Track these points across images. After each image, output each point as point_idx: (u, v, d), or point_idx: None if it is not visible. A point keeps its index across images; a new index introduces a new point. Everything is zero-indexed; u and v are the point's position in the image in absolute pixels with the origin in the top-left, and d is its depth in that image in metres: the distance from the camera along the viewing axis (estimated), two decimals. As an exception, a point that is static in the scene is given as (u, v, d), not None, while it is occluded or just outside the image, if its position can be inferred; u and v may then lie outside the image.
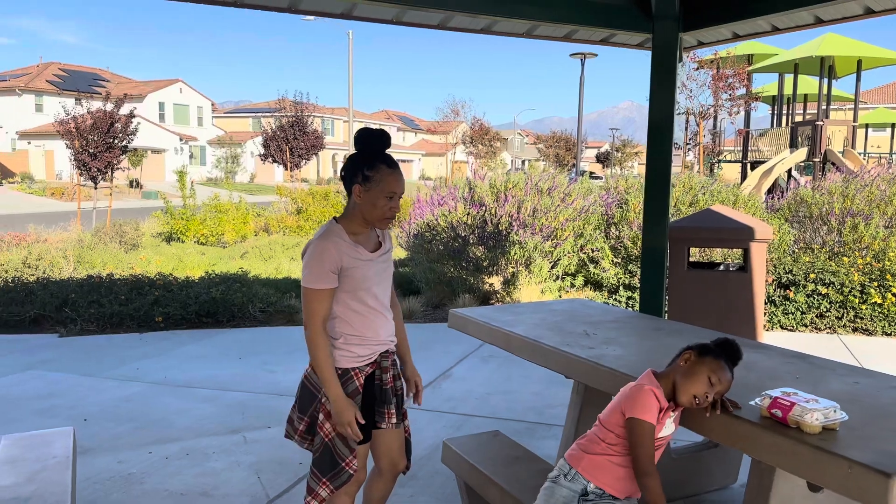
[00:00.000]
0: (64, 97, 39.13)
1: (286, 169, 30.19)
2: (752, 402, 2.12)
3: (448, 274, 8.20)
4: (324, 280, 2.29)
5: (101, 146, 14.77)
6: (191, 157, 51.13)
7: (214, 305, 7.18)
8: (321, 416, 2.38)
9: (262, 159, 32.54)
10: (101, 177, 15.08)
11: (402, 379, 2.62)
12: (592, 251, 8.57)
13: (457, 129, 42.40)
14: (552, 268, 8.30)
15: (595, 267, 8.42)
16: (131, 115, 15.59)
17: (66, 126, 14.98)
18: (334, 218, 2.43)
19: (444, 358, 5.96)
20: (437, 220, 8.51)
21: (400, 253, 10.56)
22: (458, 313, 3.66)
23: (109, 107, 15.24)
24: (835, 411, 1.97)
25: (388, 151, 2.44)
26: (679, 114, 21.33)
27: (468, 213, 8.31)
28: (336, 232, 2.36)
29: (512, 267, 8.14)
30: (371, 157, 2.36)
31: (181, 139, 49.26)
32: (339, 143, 57.26)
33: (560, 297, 8.07)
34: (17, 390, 4.99)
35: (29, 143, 43.71)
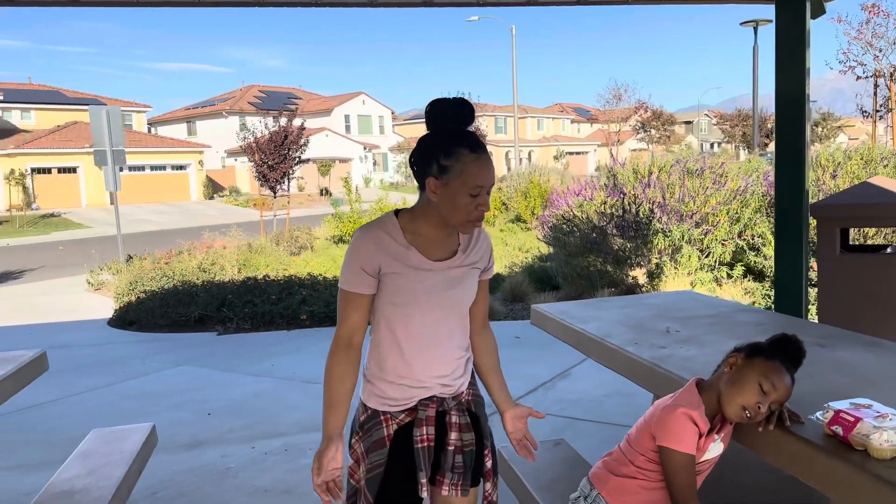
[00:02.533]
0: (262, 116, 43.11)
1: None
2: (812, 417, 1.71)
3: (587, 267, 7.82)
4: (355, 281, 1.76)
5: (277, 158, 16.01)
6: (374, 164, 53.95)
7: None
8: (350, 460, 1.89)
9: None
10: (279, 186, 16.36)
11: (477, 432, 1.90)
12: (753, 237, 7.74)
13: (631, 116, 40.69)
14: (703, 257, 7.61)
15: (756, 255, 7.59)
16: (302, 128, 16.73)
17: (248, 142, 16.43)
18: (395, 210, 1.85)
19: (568, 356, 5.65)
20: (572, 210, 8.14)
21: (542, 248, 10.27)
22: (538, 309, 3.42)
23: (283, 122, 16.47)
24: None
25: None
26: (867, 77, 18.75)
27: (605, 202, 7.86)
28: (385, 224, 1.79)
29: (656, 258, 7.57)
30: (448, 139, 1.73)
31: (365, 148, 52.13)
32: (509, 141, 57.35)
33: (713, 289, 7.37)
34: (163, 385, 5.46)
35: (235, 160, 48.56)
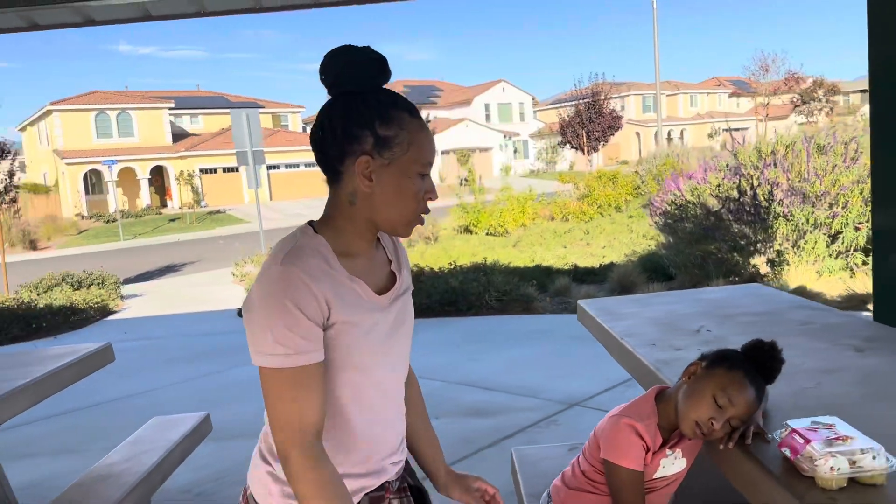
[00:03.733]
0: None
1: (583, 153, 30.03)
2: (771, 435, 1.52)
3: (701, 256, 7.35)
4: (303, 345, 1.14)
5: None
6: (515, 151, 53.86)
7: (454, 294, 7.47)
8: None
9: (560, 146, 32.86)
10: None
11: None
12: (895, 219, 6.90)
13: (781, 89, 37.48)
14: (832, 243, 6.90)
15: (898, 239, 6.77)
16: (428, 121, 17.01)
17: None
18: (309, 223, 1.27)
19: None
20: (684, 194, 7.67)
21: (657, 238, 9.75)
22: (583, 306, 3.25)
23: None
24: (875, 456, 1.31)
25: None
26: None
27: (719, 185, 7.33)
28: (314, 248, 1.20)
29: (778, 244, 6.96)
30: (382, 100, 1.20)
31: (505, 136, 52.16)
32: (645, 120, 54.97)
33: (844, 278, 6.67)
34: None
35: (380, 154, 50.42)
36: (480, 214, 14.89)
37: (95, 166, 34.76)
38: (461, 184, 43.03)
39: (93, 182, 36.27)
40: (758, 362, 1.58)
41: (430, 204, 1.29)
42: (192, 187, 35.44)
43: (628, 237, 11.85)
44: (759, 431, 1.52)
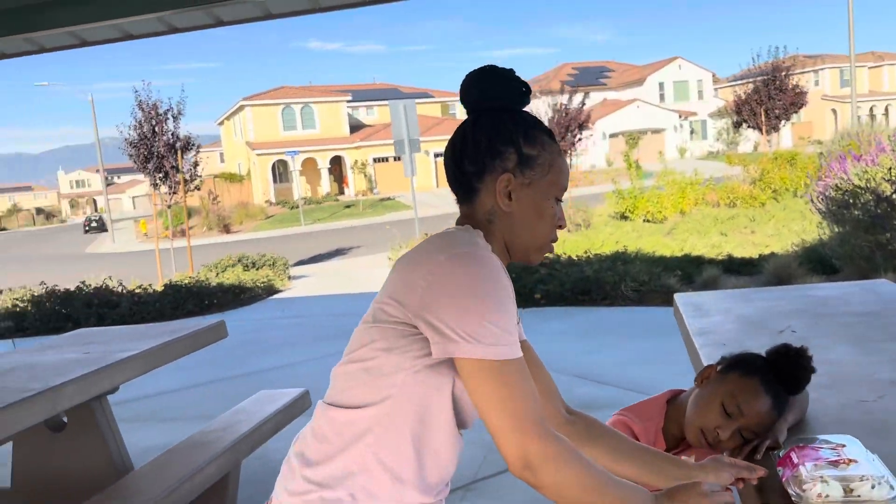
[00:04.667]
0: (570, 94, 43.60)
1: (761, 133, 27.63)
2: (776, 452, 1.36)
3: (869, 247, 6.57)
4: (515, 336, 1.07)
5: (557, 136, 16.18)
6: (692, 132, 51.01)
7: (588, 284, 7.29)
8: None
9: (735, 127, 30.51)
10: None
11: None
12: None
13: None
14: None
15: None
16: (582, 104, 16.64)
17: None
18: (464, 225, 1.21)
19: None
20: (851, 179, 6.87)
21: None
22: (676, 299, 3.05)
23: (564, 99, 16.57)
24: (876, 485, 1.16)
25: None
26: None
27: (891, 168, 6.49)
28: (488, 246, 1.14)
29: (965, 234, 6.05)
30: (526, 121, 1.20)
31: (680, 116, 49.57)
32: (859, 95, 49.37)
33: None
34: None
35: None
36: (637, 200, 14.34)
37: (282, 157, 37.74)
38: (629, 168, 41.57)
39: (280, 171, 39.41)
40: (780, 370, 1.43)
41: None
42: (366, 175, 37.39)
43: (800, 224, 10.84)
44: (774, 446, 1.37)
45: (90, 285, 9.50)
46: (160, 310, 8.94)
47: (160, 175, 12.83)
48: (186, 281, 10.04)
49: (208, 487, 2.70)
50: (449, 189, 1.25)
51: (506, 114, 1.19)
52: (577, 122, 16.24)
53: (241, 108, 39.96)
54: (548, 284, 7.51)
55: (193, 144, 13.06)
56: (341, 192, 39.85)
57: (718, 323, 2.52)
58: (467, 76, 1.22)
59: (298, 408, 3.41)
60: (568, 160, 16.48)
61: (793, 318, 2.48)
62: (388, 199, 34.70)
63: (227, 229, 30.24)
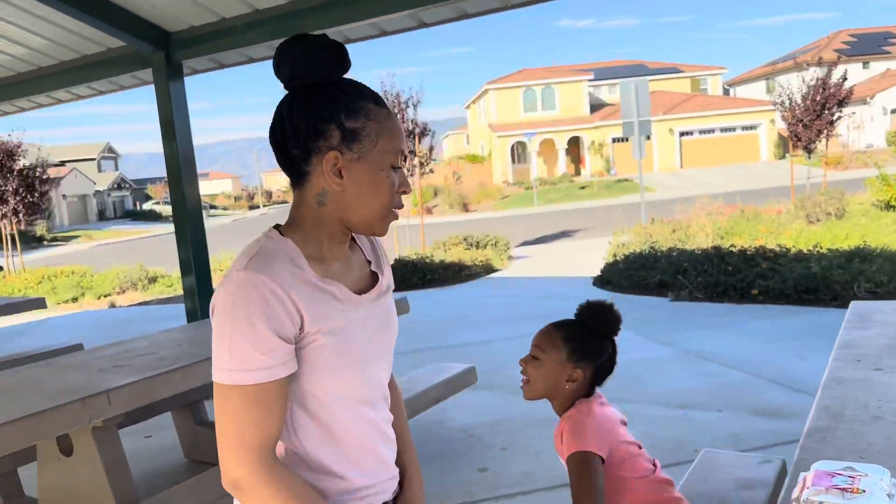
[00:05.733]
0: (848, 64, 38.49)
1: None
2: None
3: None
4: (265, 360, 1.05)
5: (811, 115, 14.53)
6: None
7: (814, 282, 6.65)
8: None
9: None
10: (813, 145, 14.85)
11: None
12: None
13: None
14: None
15: None
16: (843, 80, 14.73)
17: (780, 98, 15.41)
18: (275, 227, 1.19)
19: None
20: None
21: None
22: (852, 306, 2.78)
23: (822, 73, 14.80)
24: None
25: None
26: None
27: None
28: (282, 252, 1.13)
29: None
30: (346, 91, 1.14)
31: None
32: None
33: None
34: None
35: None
36: (908, 187, 12.49)
37: (520, 138, 38.54)
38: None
39: (518, 152, 40.31)
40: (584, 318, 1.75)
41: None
42: (602, 156, 36.78)
43: None
44: None
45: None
46: (388, 282, 9.85)
47: (399, 159, 13.93)
48: (413, 256, 10.91)
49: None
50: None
51: (322, 89, 1.12)
52: (837, 98, 14.46)
53: (486, 91, 41.43)
54: (768, 280, 6.98)
55: (430, 131, 13.97)
56: (577, 172, 39.68)
57: (871, 337, 2.30)
58: (278, 48, 1.15)
59: (462, 382, 3.70)
60: (823, 141, 14.62)
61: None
62: (625, 180, 33.83)
63: (465, 208, 31.79)
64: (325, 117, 1.11)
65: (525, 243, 15.95)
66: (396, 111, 13.80)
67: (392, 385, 1.39)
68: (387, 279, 1.30)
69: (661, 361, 5.28)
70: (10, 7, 4.80)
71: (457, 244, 12.58)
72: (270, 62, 1.17)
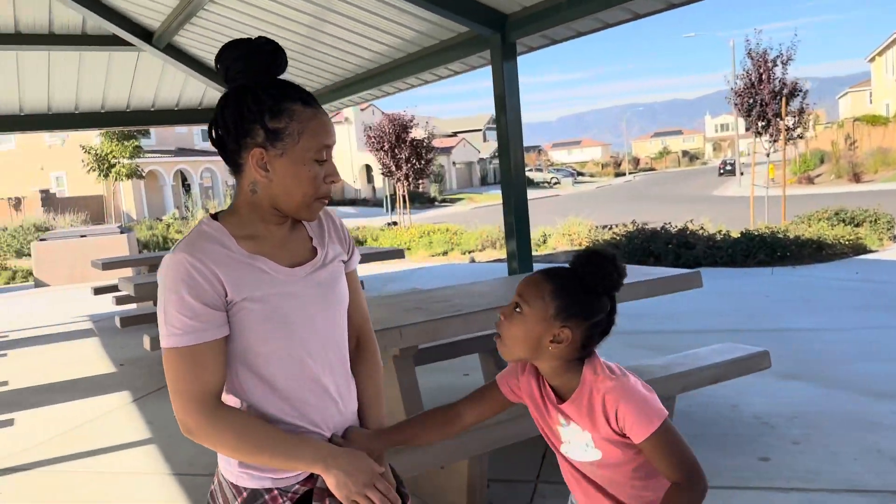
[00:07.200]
0: None
1: None
2: None
3: None
4: (194, 325, 1.25)
5: None
6: None
7: None
8: None
9: None
10: None
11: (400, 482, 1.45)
12: None
13: None
14: None
15: None
16: None
17: None
18: (212, 215, 1.38)
19: None
20: None
21: None
22: None
23: None
24: None
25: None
26: None
27: None
28: (209, 234, 1.32)
29: None
30: (271, 93, 1.29)
31: None
32: None
33: None
34: None
35: None
36: None
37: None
38: None
39: (938, 111, 33.31)
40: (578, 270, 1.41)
41: None
42: None
43: None
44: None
45: (674, 226, 10.50)
46: (731, 255, 9.31)
47: (762, 124, 12.81)
48: (762, 230, 10.06)
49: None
50: None
51: (248, 93, 1.28)
52: None
53: (895, 41, 35.01)
54: None
55: (800, 91, 12.54)
56: None
57: None
58: (220, 49, 1.31)
59: (750, 366, 3.50)
60: None
61: None
62: None
63: (857, 178, 27.63)
64: (250, 118, 1.28)
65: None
66: (762, 70, 12.64)
67: (363, 345, 1.56)
68: (332, 253, 1.44)
69: None
70: (381, 4, 5.77)
71: (824, 219, 11.19)
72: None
